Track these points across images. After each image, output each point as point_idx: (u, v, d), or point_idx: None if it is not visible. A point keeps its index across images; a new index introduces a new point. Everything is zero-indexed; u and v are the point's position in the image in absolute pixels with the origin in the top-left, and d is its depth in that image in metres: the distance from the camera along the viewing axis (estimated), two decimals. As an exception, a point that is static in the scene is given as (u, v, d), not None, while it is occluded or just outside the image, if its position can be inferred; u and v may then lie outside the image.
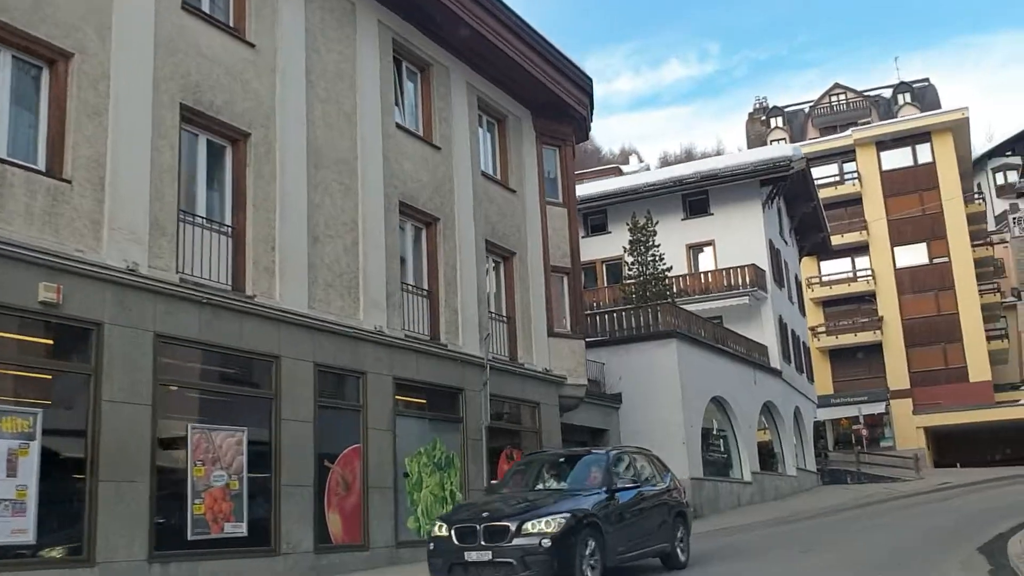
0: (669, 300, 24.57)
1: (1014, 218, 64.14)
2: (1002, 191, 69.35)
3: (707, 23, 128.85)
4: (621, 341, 23.56)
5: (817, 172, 46.93)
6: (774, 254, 31.68)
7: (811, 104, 62.35)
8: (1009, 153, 74.28)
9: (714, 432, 25.25)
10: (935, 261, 44.54)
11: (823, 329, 45.57)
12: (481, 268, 15.67)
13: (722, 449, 25.37)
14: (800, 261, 38.58)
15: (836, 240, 45.89)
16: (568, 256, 18.05)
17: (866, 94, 60.64)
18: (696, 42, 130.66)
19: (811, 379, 37.04)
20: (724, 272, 29.58)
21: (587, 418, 21.72)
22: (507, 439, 16.16)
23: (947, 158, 44.57)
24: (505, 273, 16.73)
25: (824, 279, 46.32)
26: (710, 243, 31.11)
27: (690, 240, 31.36)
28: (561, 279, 18.01)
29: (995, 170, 76.45)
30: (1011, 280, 61.47)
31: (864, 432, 41.75)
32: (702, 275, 30.03)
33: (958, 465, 42.87)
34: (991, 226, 64.05)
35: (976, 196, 49.59)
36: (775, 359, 29.82)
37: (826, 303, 46.42)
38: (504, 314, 16.57)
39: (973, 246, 47.98)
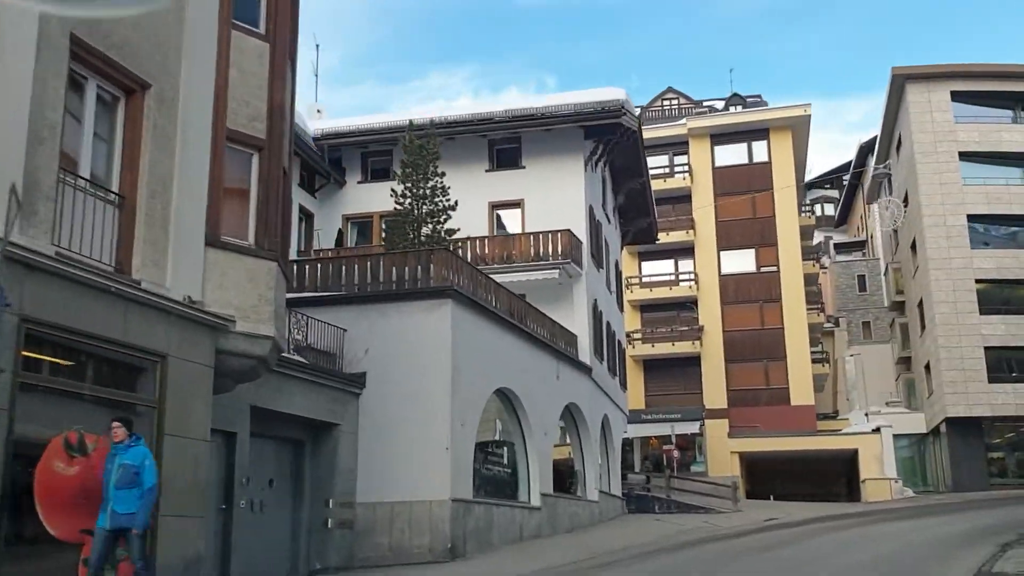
0: (446, 247, 17.70)
1: (834, 244, 62.54)
2: (819, 223, 67.96)
3: (548, 57, 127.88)
4: (372, 299, 16.48)
5: (648, 162, 41.99)
6: (594, 227, 25.70)
7: (642, 107, 58.32)
8: (827, 186, 73.66)
9: (496, 438, 18.62)
10: (763, 270, 40.54)
11: (640, 336, 40.46)
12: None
13: (505, 462, 18.75)
14: (622, 249, 33.04)
15: (661, 238, 41.02)
16: (265, 121, 10.79)
17: (700, 102, 57.35)
18: (536, 74, 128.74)
19: (624, 386, 31.41)
20: (533, 237, 23.21)
21: (307, 405, 14.55)
22: (80, 413, 8.65)
23: (784, 159, 40.83)
24: (128, 117, 9.26)
25: (645, 280, 41.35)
26: (518, 203, 24.73)
27: (495, 197, 24.89)
28: (249, 158, 10.72)
29: (813, 202, 75.82)
30: (828, 307, 59.66)
31: (675, 454, 36.72)
32: (505, 239, 23.51)
33: (771, 497, 38.71)
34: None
35: (806, 208, 46.44)
36: (585, 352, 23.69)
37: (645, 307, 41.43)
38: (116, 190, 9.11)
39: (803, 260, 44.50)
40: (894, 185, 44.84)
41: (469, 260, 20.87)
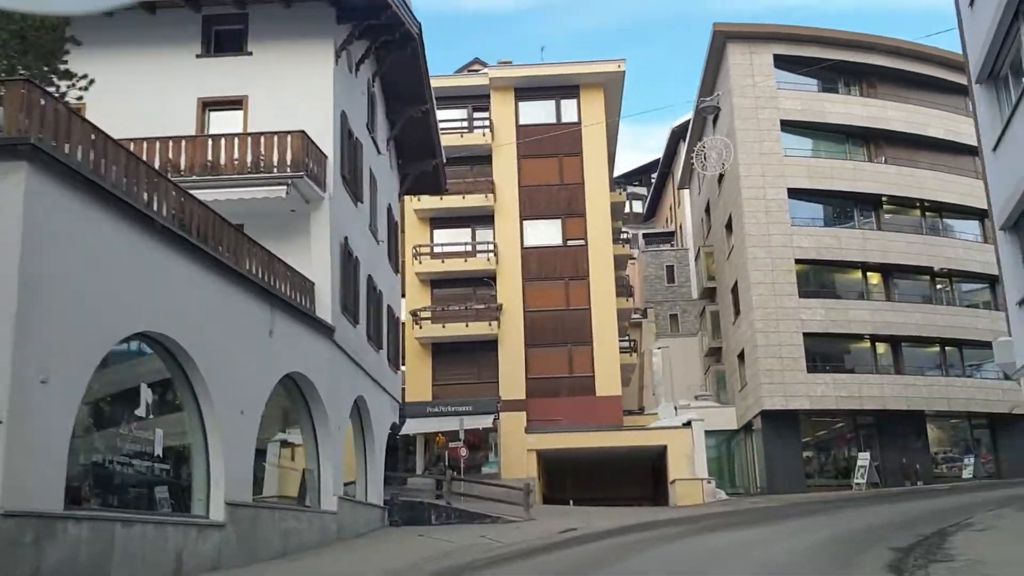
0: (30, 79, 10.54)
1: (643, 234, 59.32)
2: (628, 220, 64.86)
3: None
4: None
5: (444, 115, 36.11)
6: (351, 146, 19.29)
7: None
8: (636, 183, 71.04)
9: (144, 414, 11.74)
10: (570, 243, 35.57)
11: (428, 315, 34.40)
12: None
13: (160, 454, 11.89)
14: (402, 195, 26.81)
15: (456, 203, 35.20)
16: None
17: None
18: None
19: (397, 366, 25.16)
20: (252, 140, 16.50)
21: None
22: None
23: (595, 120, 36.08)
24: None
25: (437, 250, 35.36)
26: (240, 102, 17.95)
27: (208, 92, 17.99)
28: None
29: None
30: (637, 300, 56.20)
31: (463, 453, 30.87)
32: (213, 141, 16.62)
33: (571, 502, 33.69)
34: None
35: (619, 186, 42.10)
36: (326, 307, 17.20)
37: (437, 282, 35.44)
38: None
39: (613, 240, 40.03)
40: (712, 156, 41.30)
41: (159, 168, 13.96)
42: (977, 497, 24.32)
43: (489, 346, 34.49)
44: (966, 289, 37.08)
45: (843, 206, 36.16)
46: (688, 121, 44.87)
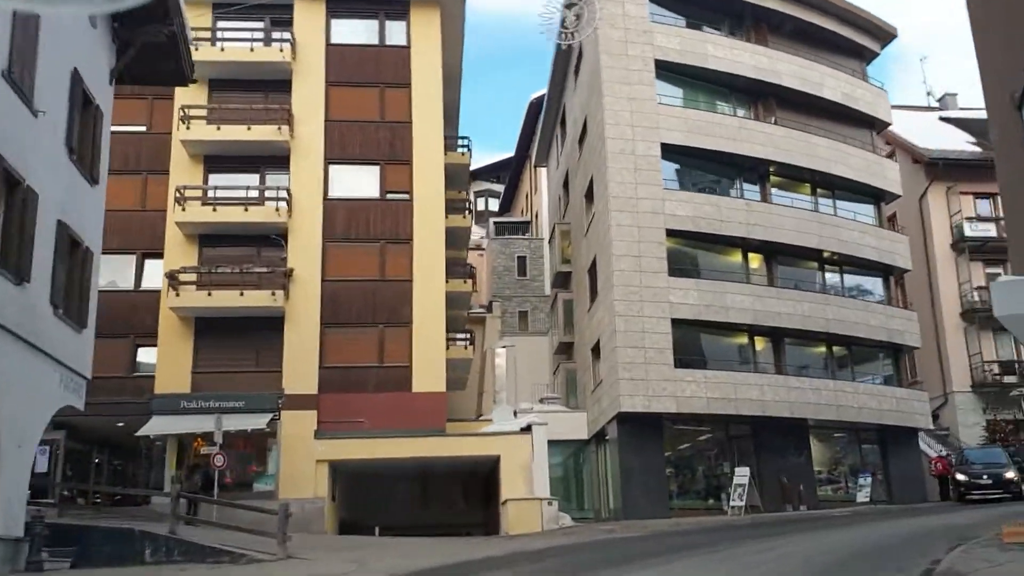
0: None
1: (495, 222, 52.33)
2: (480, 218, 58.00)
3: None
4: None
5: (232, 24, 27.92)
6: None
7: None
8: (494, 180, 64.34)
9: None
10: (390, 197, 27.83)
11: (192, 279, 25.84)
12: None
13: None
14: (112, 80, 18.29)
15: (239, 135, 27.01)
16: None
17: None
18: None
19: (81, 321, 16.58)
20: None
21: None
22: None
23: (428, 48, 28.66)
24: None
25: (210, 197, 26.87)
26: None
27: None
28: None
29: (478, 194, 66.37)
30: (484, 294, 49.04)
31: (219, 463, 22.52)
32: None
33: (376, 531, 25.87)
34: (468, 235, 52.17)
35: (461, 145, 34.68)
36: None
37: (208, 237, 26.94)
38: None
39: (451, 205, 32.66)
40: (572, 106, 34.67)
41: None
42: (899, 529, 18.01)
43: (272, 323, 26.26)
44: (857, 281, 31.61)
45: (725, 171, 30.05)
46: (545, 95, 38.31)
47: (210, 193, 26.83)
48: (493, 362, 42.57)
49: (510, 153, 56.43)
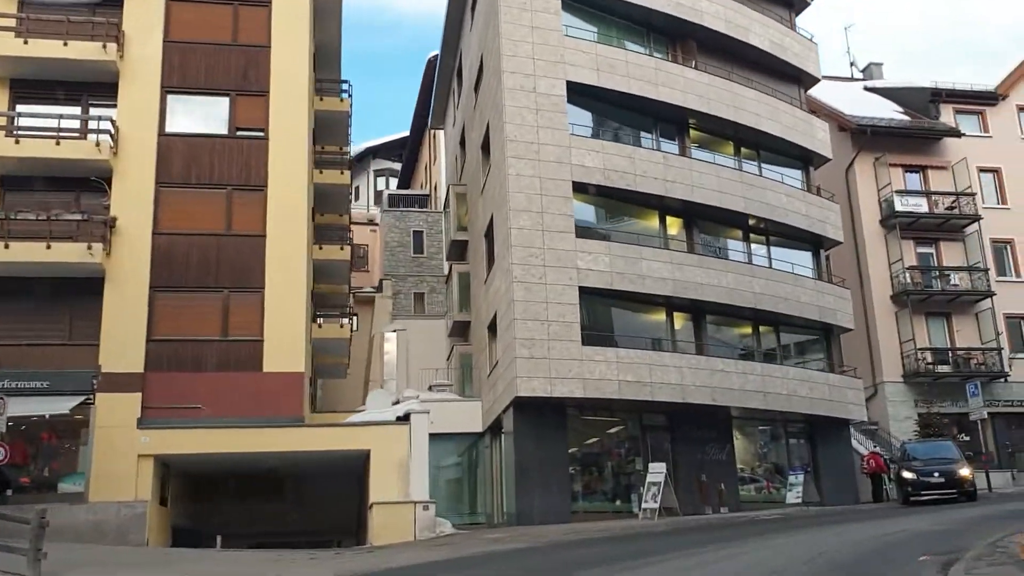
0: None
1: (390, 194, 47.59)
2: (378, 199, 53.52)
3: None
4: None
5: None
6: None
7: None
8: (395, 158, 59.63)
9: None
10: (242, 134, 22.93)
11: (-20, 226, 20.50)
12: None
13: None
14: None
15: (54, 52, 21.78)
16: None
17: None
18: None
19: None
20: None
21: None
22: None
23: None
24: None
25: (15, 126, 21.53)
26: None
27: None
28: None
29: (378, 173, 61.65)
30: (375, 273, 44.31)
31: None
32: None
33: (219, 541, 20.90)
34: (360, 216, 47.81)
35: (342, 91, 29.85)
36: None
37: (9, 179, 21.61)
38: None
39: (328, 159, 28.18)
40: (469, 47, 30.39)
41: None
42: (853, 537, 14.18)
43: (89, 285, 21.10)
44: (786, 253, 28.12)
45: (640, 121, 26.14)
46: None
47: (20, 127, 21.48)
48: (382, 347, 37.93)
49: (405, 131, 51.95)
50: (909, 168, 35.03)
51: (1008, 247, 34.95)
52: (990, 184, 35.61)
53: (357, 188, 55.76)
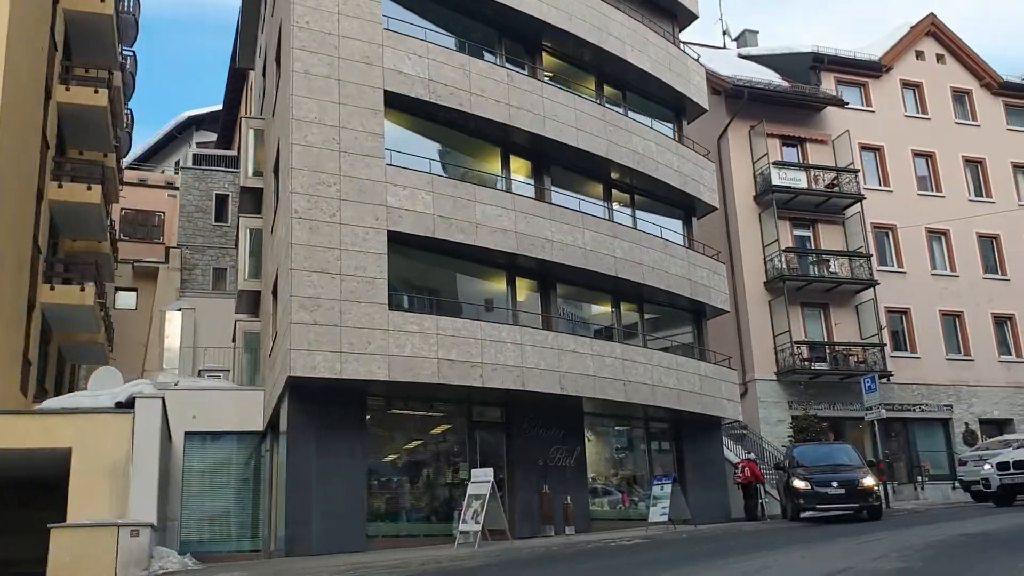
0: None
1: (193, 154, 40.08)
2: (178, 166, 45.98)
3: None
4: None
5: None
6: None
7: None
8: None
9: None
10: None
11: None
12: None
13: None
14: None
15: None
16: None
17: None
18: None
19: None
20: None
21: None
22: None
23: None
24: None
25: None
26: None
27: None
28: None
29: (201, 146, 53.81)
30: (172, 238, 36.75)
31: None
32: None
33: None
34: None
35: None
36: None
37: None
38: None
39: (79, 77, 21.21)
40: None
41: None
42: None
43: None
44: (654, 216, 23.14)
45: (480, 31, 20.44)
46: None
47: None
48: (162, 328, 30.75)
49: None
50: (787, 140, 31.06)
51: (890, 233, 31.47)
52: (872, 163, 32.13)
53: (177, 162, 48.18)
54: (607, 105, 21.89)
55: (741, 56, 34.68)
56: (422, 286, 18.25)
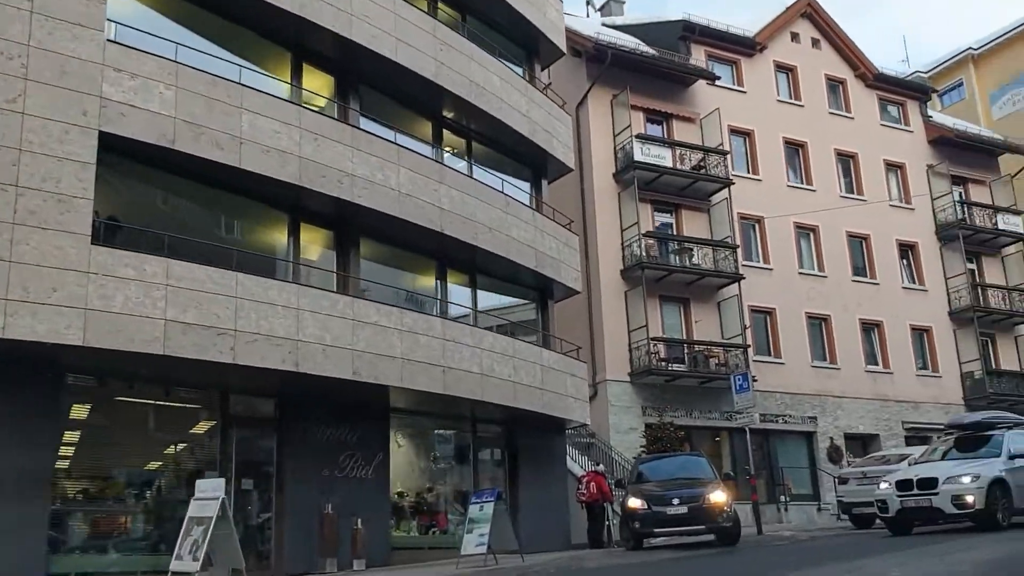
0: None
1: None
2: None
3: None
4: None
5: None
6: None
7: None
8: None
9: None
10: None
11: None
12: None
13: None
14: None
15: None
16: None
17: None
18: None
19: None
20: None
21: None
22: None
23: None
24: None
25: None
26: None
27: None
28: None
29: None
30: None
31: None
32: None
33: None
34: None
35: None
36: None
37: None
38: None
39: None
40: None
41: None
42: None
43: None
44: (496, 169, 18.71)
45: None
46: None
47: None
48: None
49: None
50: (653, 116, 27.52)
51: (756, 226, 28.39)
52: (741, 149, 29.03)
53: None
54: (440, 21, 17.31)
55: (606, 25, 31.00)
56: (149, 217, 13.03)
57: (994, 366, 30.65)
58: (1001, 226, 31.70)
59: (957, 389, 29.93)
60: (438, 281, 16.75)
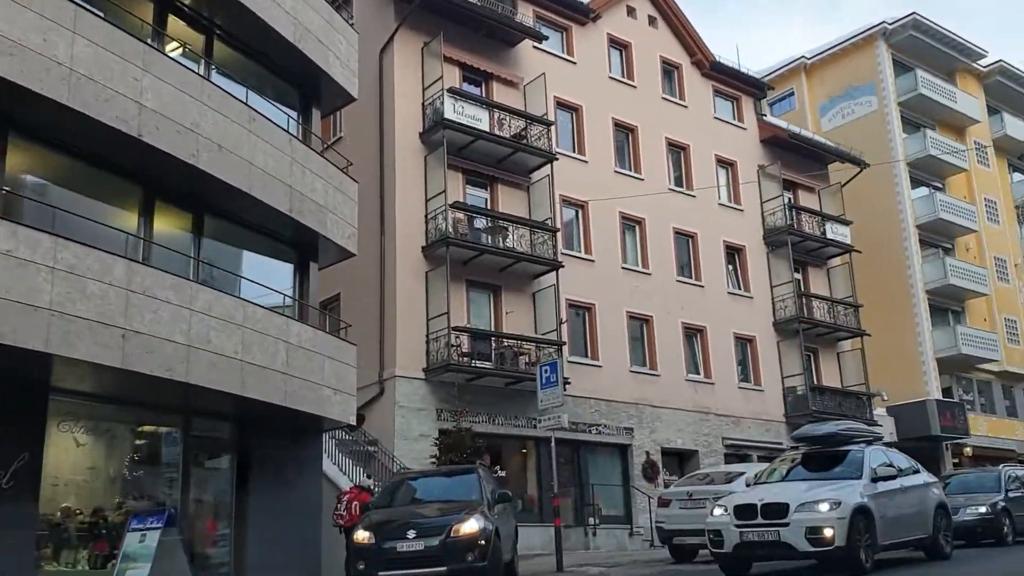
0: None
1: None
2: None
3: None
4: None
5: None
6: None
7: None
8: None
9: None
10: None
11: None
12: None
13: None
14: None
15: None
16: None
17: None
18: None
19: None
20: None
21: None
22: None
23: None
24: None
25: None
26: None
27: None
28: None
29: None
30: None
31: None
32: None
33: None
34: None
35: None
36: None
37: None
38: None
39: None
40: None
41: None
42: None
43: None
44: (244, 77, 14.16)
45: None
46: None
47: None
48: None
49: None
50: (470, 73, 23.81)
51: (580, 212, 25.18)
52: (567, 126, 25.79)
53: None
54: None
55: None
56: None
57: (816, 382, 28.84)
58: (829, 235, 30.11)
59: (780, 405, 27.82)
60: (142, 218, 11.98)
